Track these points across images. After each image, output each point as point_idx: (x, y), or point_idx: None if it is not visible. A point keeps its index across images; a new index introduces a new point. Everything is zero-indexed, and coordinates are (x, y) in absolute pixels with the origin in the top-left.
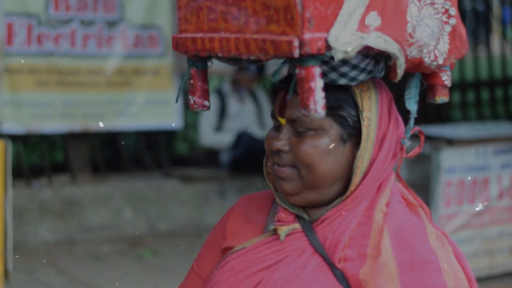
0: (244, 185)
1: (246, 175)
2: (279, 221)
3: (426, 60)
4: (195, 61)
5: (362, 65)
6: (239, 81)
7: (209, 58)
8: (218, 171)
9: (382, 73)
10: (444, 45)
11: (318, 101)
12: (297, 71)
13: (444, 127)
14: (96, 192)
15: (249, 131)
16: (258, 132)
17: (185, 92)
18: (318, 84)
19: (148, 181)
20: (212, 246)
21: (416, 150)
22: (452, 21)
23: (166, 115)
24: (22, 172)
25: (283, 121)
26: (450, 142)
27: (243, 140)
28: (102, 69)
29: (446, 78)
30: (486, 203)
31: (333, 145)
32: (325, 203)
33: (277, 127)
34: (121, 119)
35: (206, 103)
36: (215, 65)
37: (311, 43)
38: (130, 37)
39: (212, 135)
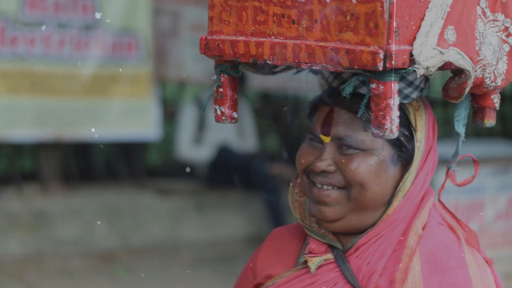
0: (222, 199)
1: (224, 189)
2: (310, 252)
3: (487, 80)
4: (227, 67)
5: (417, 82)
6: None
7: (239, 64)
8: (195, 183)
9: (428, 91)
10: (503, 66)
11: (394, 120)
12: (373, 86)
13: (440, 144)
14: (67, 203)
15: (228, 144)
16: (238, 144)
17: (164, 100)
18: (395, 101)
19: (122, 193)
20: (243, 284)
21: (468, 180)
22: (511, 40)
23: (143, 125)
24: None
25: (327, 139)
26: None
27: (223, 153)
28: (77, 75)
29: (496, 100)
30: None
31: (385, 166)
32: (363, 230)
33: (313, 144)
34: (96, 128)
35: (235, 114)
36: (193, 74)
37: (398, 55)
38: (108, 41)
39: (191, 148)
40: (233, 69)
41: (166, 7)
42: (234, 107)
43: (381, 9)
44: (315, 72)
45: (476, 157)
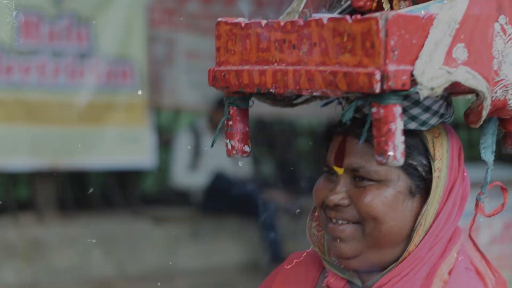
0: (218, 227)
1: (220, 216)
2: (328, 286)
3: (510, 102)
4: (236, 98)
5: (435, 107)
6: (215, 119)
7: (251, 95)
8: (191, 211)
9: (452, 118)
10: None
11: (398, 146)
12: (373, 110)
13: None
14: (63, 232)
15: (224, 171)
16: (233, 171)
17: (159, 128)
18: (398, 125)
19: (118, 221)
20: None
21: (498, 209)
22: None
23: (139, 153)
24: None
25: (340, 171)
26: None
27: (218, 181)
28: (72, 103)
29: None
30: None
31: (401, 198)
32: (384, 267)
33: (330, 177)
34: (92, 156)
35: (246, 148)
36: (188, 101)
37: (395, 76)
38: (102, 69)
39: (186, 175)
40: (242, 101)
41: (160, 34)
42: (245, 140)
43: (376, 27)
44: (339, 102)
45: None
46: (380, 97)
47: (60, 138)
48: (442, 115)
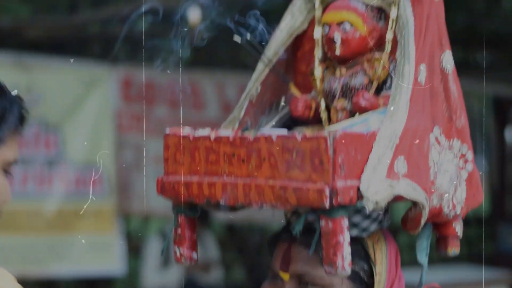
0: None
1: None
2: None
3: (445, 209)
4: (184, 207)
5: (374, 214)
6: None
7: (198, 204)
8: None
9: (389, 222)
10: (461, 193)
11: (346, 257)
12: (322, 223)
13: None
14: None
15: (194, 277)
16: (203, 276)
17: (128, 235)
18: (346, 237)
19: None
20: None
21: None
22: (469, 166)
23: (108, 260)
24: None
25: (286, 276)
26: None
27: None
28: (41, 211)
29: (459, 228)
30: None
31: None
32: None
33: (275, 282)
34: (61, 264)
35: (194, 255)
36: (157, 207)
37: (344, 192)
38: (71, 177)
39: (156, 282)
40: (190, 209)
41: (129, 140)
42: (193, 247)
43: (325, 145)
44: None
45: (441, 283)
46: (329, 211)
47: (29, 247)
48: (380, 222)
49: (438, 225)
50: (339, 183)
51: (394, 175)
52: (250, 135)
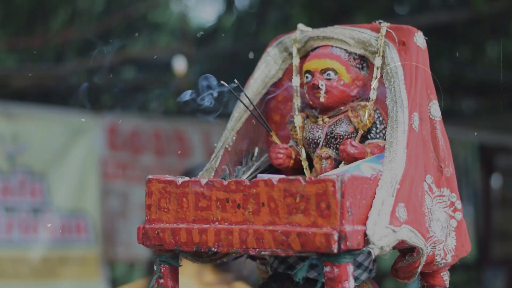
0: None
1: None
2: None
3: (438, 258)
4: (168, 256)
5: (366, 263)
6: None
7: (180, 253)
8: None
9: (375, 272)
10: (451, 242)
11: None
12: (327, 269)
13: None
14: None
15: None
16: None
17: (113, 281)
18: (351, 284)
19: None
20: None
21: None
22: (458, 215)
23: None
24: None
25: None
26: None
27: None
28: (26, 258)
29: (446, 278)
30: None
31: None
32: None
33: None
34: None
35: None
36: (142, 254)
37: (352, 236)
38: (56, 224)
39: None
40: (173, 258)
41: (114, 188)
42: None
43: (333, 188)
44: (253, 258)
45: None
46: (336, 257)
47: None
48: (370, 271)
49: (426, 274)
50: (348, 227)
51: (396, 221)
52: (245, 180)
